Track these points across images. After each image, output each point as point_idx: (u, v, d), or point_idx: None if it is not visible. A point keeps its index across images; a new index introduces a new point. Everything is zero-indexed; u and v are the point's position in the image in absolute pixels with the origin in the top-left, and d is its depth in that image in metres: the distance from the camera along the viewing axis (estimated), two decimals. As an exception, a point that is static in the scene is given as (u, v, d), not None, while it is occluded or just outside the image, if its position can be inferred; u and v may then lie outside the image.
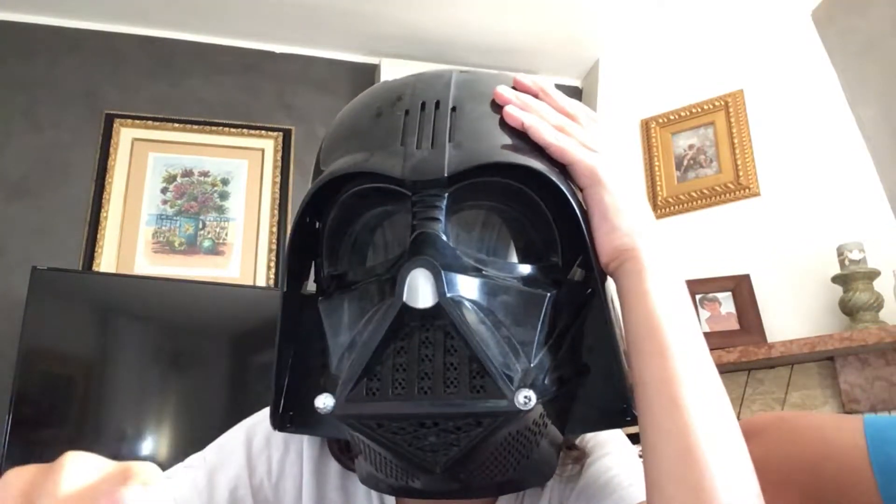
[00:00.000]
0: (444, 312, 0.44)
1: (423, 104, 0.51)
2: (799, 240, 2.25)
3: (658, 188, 2.55)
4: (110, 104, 2.49)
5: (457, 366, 0.44)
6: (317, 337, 0.52)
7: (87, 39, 2.53)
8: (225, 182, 2.51)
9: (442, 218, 0.48)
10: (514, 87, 0.54)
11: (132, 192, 2.41)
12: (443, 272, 0.44)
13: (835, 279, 2.09)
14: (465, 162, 0.47)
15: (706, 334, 2.30)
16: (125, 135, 2.47)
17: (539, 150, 0.50)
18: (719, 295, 2.25)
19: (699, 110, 2.58)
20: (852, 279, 2.04)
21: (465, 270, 0.47)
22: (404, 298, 0.44)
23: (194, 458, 0.63)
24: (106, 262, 2.29)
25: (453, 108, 0.50)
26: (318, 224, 0.55)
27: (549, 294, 0.48)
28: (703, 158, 2.54)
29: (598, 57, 2.83)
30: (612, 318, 0.51)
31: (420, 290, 0.44)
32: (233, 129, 2.55)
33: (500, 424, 0.44)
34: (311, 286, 0.57)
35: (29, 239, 2.26)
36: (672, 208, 2.51)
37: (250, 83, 2.63)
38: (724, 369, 2.12)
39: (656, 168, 2.59)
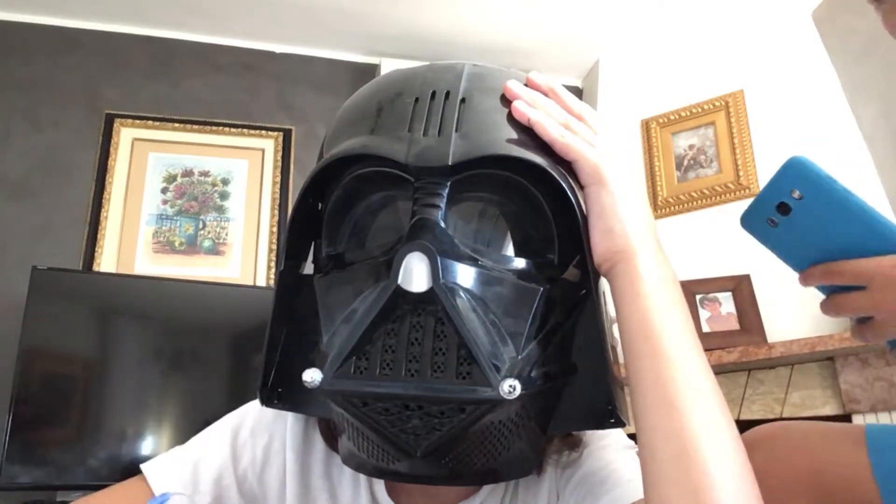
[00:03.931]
0: (436, 298, 0.45)
1: (434, 93, 0.51)
2: (799, 240, 2.25)
3: (658, 188, 2.55)
4: (110, 104, 2.49)
5: (445, 351, 0.45)
6: (311, 316, 0.53)
7: (87, 39, 2.53)
8: (225, 182, 2.51)
9: (443, 206, 0.48)
10: (525, 85, 0.55)
11: (132, 191, 2.41)
12: (439, 258, 0.45)
13: (835, 279, 2.08)
14: (469, 152, 0.48)
15: (706, 334, 2.31)
16: (125, 135, 2.47)
17: (545, 147, 0.50)
18: (719, 295, 2.25)
19: (699, 110, 2.58)
20: (852, 279, 2.04)
21: (460, 258, 0.47)
22: (399, 281, 0.45)
23: (178, 449, 0.64)
24: (106, 261, 2.29)
25: (462, 100, 0.51)
26: (319, 205, 0.55)
27: (542, 289, 0.49)
28: (703, 158, 2.54)
29: (599, 57, 2.83)
30: (603, 319, 0.52)
31: (415, 273, 0.44)
32: (233, 129, 2.55)
33: (483, 412, 0.45)
34: (308, 269, 0.57)
35: (29, 239, 2.26)
36: (672, 208, 2.51)
37: (250, 83, 2.63)
38: (725, 369, 2.12)
39: (656, 168, 2.58)
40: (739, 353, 2.05)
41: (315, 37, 2.65)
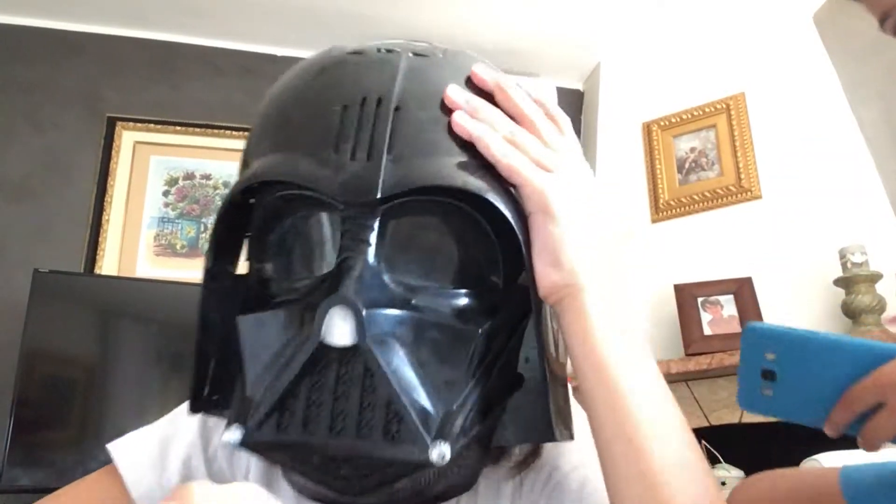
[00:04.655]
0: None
1: (364, 99, 0.45)
2: (801, 242, 2.25)
3: (660, 191, 2.55)
4: (112, 107, 2.49)
5: (373, 407, 0.42)
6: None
7: (88, 43, 2.54)
8: (226, 185, 2.51)
9: (373, 241, 0.44)
10: (469, 82, 0.49)
11: (134, 194, 2.42)
12: (364, 311, 0.41)
13: (837, 282, 2.08)
14: (402, 182, 0.43)
15: (708, 337, 2.31)
16: (127, 138, 2.47)
17: (489, 166, 0.45)
18: (721, 298, 2.25)
19: (701, 113, 2.58)
20: (854, 282, 2.04)
21: (391, 303, 0.44)
22: (321, 336, 0.41)
23: (147, 428, 0.62)
24: (107, 264, 2.30)
25: (397, 108, 0.45)
26: (251, 200, 0.51)
27: (480, 330, 0.45)
28: (704, 161, 2.54)
29: (600, 60, 2.83)
30: (546, 338, 0.49)
31: (337, 329, 0.41)
32: (234, 132, 2.55)
33: (412, 471, 0.44)
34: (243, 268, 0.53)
35: (30, 241, 2.26)
36: (674, 211, 2.51)
37: (251, 86, 2.63)
38: (726, 372, 2.12)
39: (658, 171, 2.58)
40: (741, 355, 2.05)
41: (315, 39, 2.65)
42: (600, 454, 0.46)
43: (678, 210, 2.50)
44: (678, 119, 2.62)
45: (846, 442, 0.62)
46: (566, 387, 0.52)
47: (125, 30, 2.58)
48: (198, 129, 2.53)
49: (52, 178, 2.36)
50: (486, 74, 0.49)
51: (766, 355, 0.57)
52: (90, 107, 2.47)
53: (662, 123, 2.64)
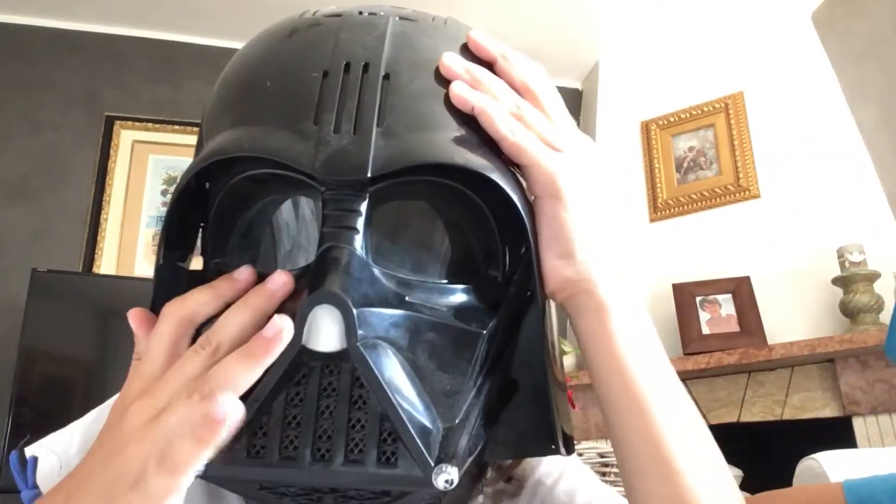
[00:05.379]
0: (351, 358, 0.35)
1: (348, 65, 0.39)
2: (799, 242, 2.25)
3: (658, 190, 2.56)
4: (111, 106, 2.49)
5: (364, 423, 0.35)
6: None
7: (87, 42, 2.53)
8: (225, 184, 2.51)
9: (360, 227, 0.37)
10: (466, 49, 0.43)
11: (132, 194, 2.42)
12: (354, 311, 0.34)
13: (835, 281, 2.09)
14: (394, 160, 0.37)
15: (706, 336, 2.32)
16: (125, 137, 2.47)
17: (490, 142, 0.40)
18: (719, 297, 2.25)
19: (699, 112, 2.59)
20: (852, 281, 2.04)
21: (384, 301, 0.37)
22: (303, 341, 0.34)
23: (72, 425, 0.54)
24: (106, 263, 2.30)
25: (386, 76, 0.39)
26: (207, 185, 0.44)
27: (484, 331, 0.40)
28: (703, 160, 2.54)
29: (598, 59, 2.83)
30: (549, 338, 0.43)
31: (323, 332, 0.34)
32: (233, 131, 2.55)
33: (411, 500, 0.37)
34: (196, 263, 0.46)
35: (29, 241, 2.26)
36: (672, 210, 2.51)
37: (250, 85, 2.63)
38: (725, 371, 2.12)
39: (656, 170, 2.59)
40: (739, 354, 2.05)
41: (315, 39, 2.66)
42: (623, 459, 0.42)
43: (676, 209, 2.50)
44: (677, 118, 2.62)
45: (845, 442, 0.62)
46: (566, 392, 0.48)
47: (124, 29, 2.58)
48: (196, 129, 2.52)
49: (51, 178, 2.36)
50: (485, 41, 0.44)
51: None
52: (89, 106, 2.47)
53: (661, 122, 2.64)
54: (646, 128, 2.66)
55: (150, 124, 2.50)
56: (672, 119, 2.62)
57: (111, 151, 2.43)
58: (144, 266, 2.34)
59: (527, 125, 0.41)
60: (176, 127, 2.52)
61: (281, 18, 0.44)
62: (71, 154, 2.40)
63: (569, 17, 2.57)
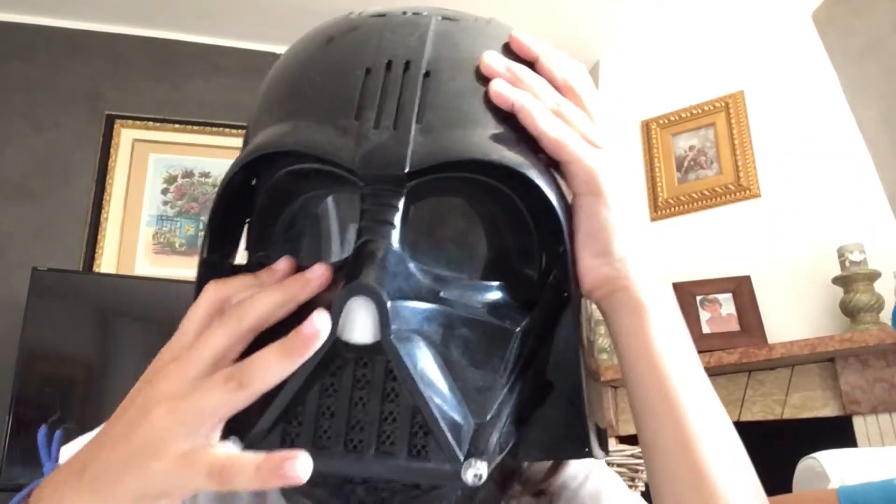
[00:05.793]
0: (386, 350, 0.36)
1: (390, 63, 0.40)
2: (799, 241, 2.25)
3: (658, 189, 2.56)
4: (111, 105, 2.49)
5: (396, 416, 0.36)
6: None
7: (88, 40, 2.53)
8: (225, 183, 2.51)
9: (397, 222, 0.38)
10: (507, 48, 0.44)
11: (133, 193, 2.42)
12: (388, 303, 0.35)
13: (835, 280, 2.09)
14: (433, 155, 0.37)
15: (706, 336, 2.32)
16: (126, 136, 2.47)
17: (528, 140, 0.40)
18: (720, 296, 2.25)
19: (700, 111, 2.58)
20: (853, 280, 2.04)
21: (418, 295, 0.38)
22: (338, 332, 0.35)
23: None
24: (106, 262, 2.30)
25: (426, 74, 0.40)
26: (254, 181, 0.45)
27: (518, 328, 0.40)
28: (703, 160, 2.54)
29: (599, 58, 2.83)
30: (584, 337, 0.44)
31: (358, 323, 0.35)
32: (233, 130, 2.55)
33: (441, 494, 0.38)
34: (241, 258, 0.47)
35: (29, 240, 2.26)
36: (672, 209, 2.51)
37: (251, 84, 2.62)
38: (725, 371, 2.12)
39: (657, 169, 2.59)
40: (739, 354, 2.05)
41: (315, 38, 2.66)
42: (653, 460, 0.41)
43: (677, 208, 2.50)
44: (677, 117, 2.62)
45: (845, 441, 0.62)
46: (601, 396, 0.48)
47: (125, 27, 2.58)
48: (196, 127, 2.53)
49: (51, 176, 2.36)
50: (527, 40, 0.45)
51: None
52: (89, 105, 2.47)
53: (661, 122, 2.64)
54: (646, 127, 2.66)
55: (150, 123, 2.51)
56: (672, 118, 2.62)
57: (112, 150, 2.43)
58: (145, 265, 2.34)
59: (567, 122, 0.41)
60: (177, 126, 2.52)
61: (325, 21, 0.46)
62: (71, 153, 2.40)
63: (569, 16, 2.57)
